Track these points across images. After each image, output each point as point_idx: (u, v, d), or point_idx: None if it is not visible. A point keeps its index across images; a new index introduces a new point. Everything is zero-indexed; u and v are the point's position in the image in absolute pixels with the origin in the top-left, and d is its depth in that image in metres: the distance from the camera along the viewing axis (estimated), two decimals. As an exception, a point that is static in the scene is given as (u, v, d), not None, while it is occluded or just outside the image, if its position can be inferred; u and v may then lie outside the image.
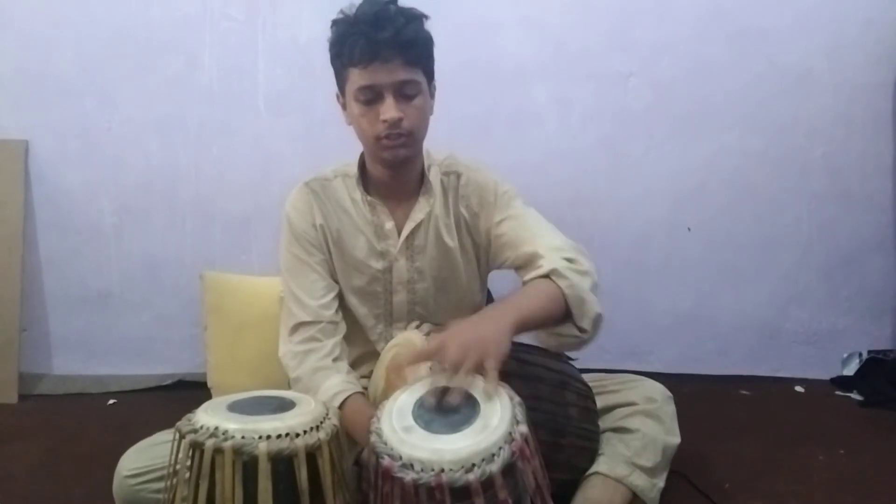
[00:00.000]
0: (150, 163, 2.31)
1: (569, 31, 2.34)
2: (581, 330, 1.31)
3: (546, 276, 1.31)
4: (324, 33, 2.24)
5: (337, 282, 1.54)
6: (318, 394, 1.37)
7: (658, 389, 1.51)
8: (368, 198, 1.51)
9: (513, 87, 2.35)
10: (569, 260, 1.34)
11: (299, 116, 2.32)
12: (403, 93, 1.36)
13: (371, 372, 1.48)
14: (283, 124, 2.32)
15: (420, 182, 1.53)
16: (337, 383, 1.40)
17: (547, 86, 2.36)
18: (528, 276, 1.35)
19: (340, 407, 1.34)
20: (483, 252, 1.55)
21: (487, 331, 1.10)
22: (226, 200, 2.34)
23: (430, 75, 1.43)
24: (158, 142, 2.31)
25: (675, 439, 1.46)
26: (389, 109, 1.34)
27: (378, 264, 1.52)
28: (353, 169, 1.54)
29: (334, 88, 2.22)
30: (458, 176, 1.54)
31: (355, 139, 1.57)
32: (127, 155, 2.30)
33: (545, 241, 1.41)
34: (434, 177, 1.53)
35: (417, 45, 1.36)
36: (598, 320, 1.34)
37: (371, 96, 1.36)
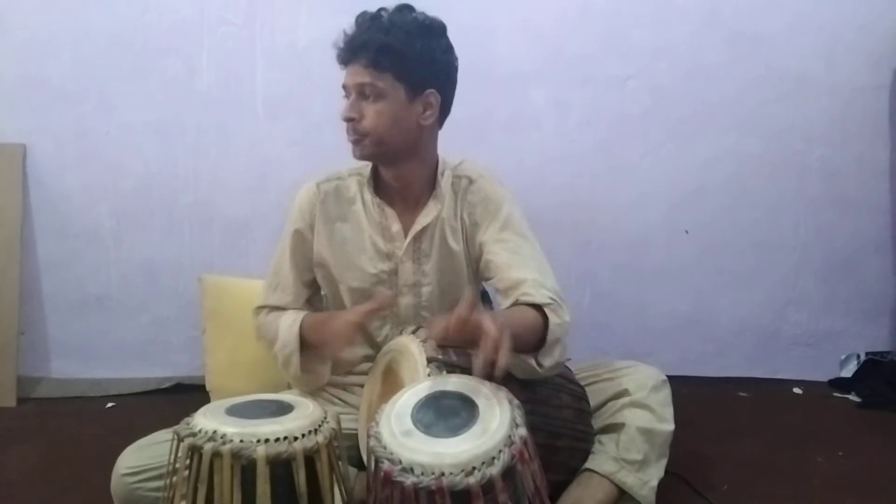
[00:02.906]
0: (149, 167, 2.31)
1: (566, 36, 2.35)
2: (539, 365, 1.30)
3: (538, 306, 1.31)
4: (322, 37, 2.25)
5: (309, 285, 1.61)
6: (279, 330, 1.52)
7: (649, 375, 1.52)
8: (377, 199, 1.53)
9: (510, 91, 2.36)
10: (557, 302, 1.34)
11: (297, 120, 2.32)
12: (364, 94, 1.41)
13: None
14: (281, 128, 2.33)
15: (430, 187, 1.54)
16: (290, 315, 1.55)
17: (544, 90, 2.37)
18: (522, 299, 1.35)
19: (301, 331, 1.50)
20: (474, 262, 1.55)
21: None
22: (224, 204, 2.34)
23: (414, 84, 1.41)
24: (156, 146, 2.31)
25: (667, 426, 1.46)
26: (345, 109, 1.43)
27: (383, 265, 1.53)
28: (367, 170, 1.56)
29: (332, 92, 2.23)
30: (470, 181, 1.54)
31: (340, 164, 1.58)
32: (125, 159, 2.30)
33: (534, 276, 1.39)
34: (446, 181, 1.54)
35: (385, 50, 1.37)
36: (557, 366, 1.34)
37: (344, 95, 1.45)
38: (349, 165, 1.60)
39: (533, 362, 1.29)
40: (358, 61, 1.39)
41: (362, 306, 1.40)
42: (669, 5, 2.35)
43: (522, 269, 1.41)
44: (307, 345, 1.51)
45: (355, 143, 1.44)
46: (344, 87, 1.44)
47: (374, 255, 1.53)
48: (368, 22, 1.40)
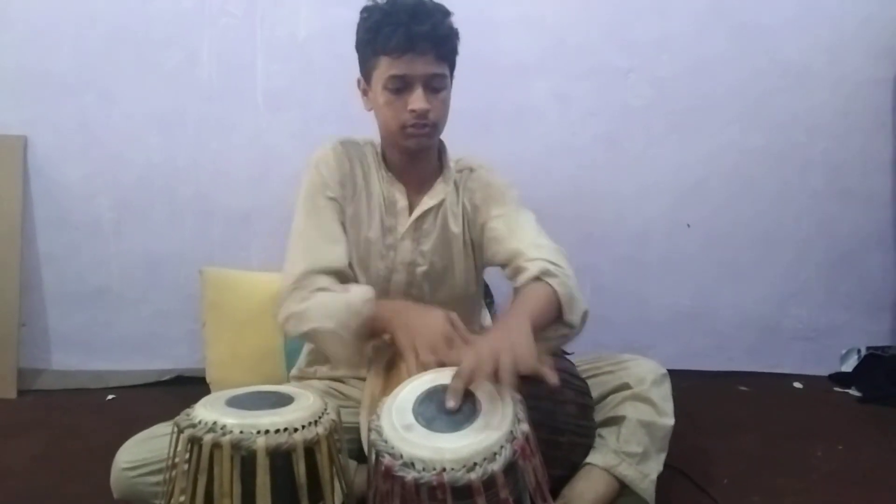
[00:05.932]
0: (150, 158, 2.31)
1: (568, 27, 2.34)
2: (570, 325, 1.34)
3: (537, 278, 1.34)
4: (322, 29, 2.26)
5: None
6: (348, 303, 1.33)
7: (650, 369, 1.51)
8: (387, 174, 1.54)
9: (513, 83, 2.35)
10: (552, 262, 1.38)
11: (298, 112, 2.32)
12: (432, 85, 1.40)
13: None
14: (283, 120, 2.32)
15: (437, 169, 1.57)
16: (359, 292, 1.36)
17: (547, 82, 2.36)
18: (519, 280, 1.38)
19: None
20: (477, 248, 1.57)
21: (514, 335, 1.11)
22: (225, 196, 2.33)
23: (453, 70, 1.47)
24: (157, 137, 2.30)
25: (668, 420, 1.46)
26: (419, 100, 1.38)
27: (385, 240, 1.53)
28: (378, 142, 1.57)
29: (333, 83, 2.26)
30: (471, 170, 1.58)
31: (355, 134, 1.57)
32: (126, 150, 2.30)
33: (529, 239, 1.44)
34: (451, 169, 1.57)
35: (450, 40, 1.42)
36: (585, 316, 1.37)
37: (401, 86, 1.39)
38: (362, 136, 1.58)
39: (564, 327, 1.34)
40: (426, 52, 1.36)
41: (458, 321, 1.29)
42: (672, -3, 2.35)
43: (518, 238, 1.46)
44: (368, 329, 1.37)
45: (425, 135, 1.43)
46: (399, 77, 1.37)
47: (378, 228, 1.54)
48: (432, 12, 1.38)
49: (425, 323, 1.26)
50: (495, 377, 1.02)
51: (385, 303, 1.39)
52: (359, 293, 1.36)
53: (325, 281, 1.39)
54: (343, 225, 1.50)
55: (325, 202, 1.49)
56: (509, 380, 1.01)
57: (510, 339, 1.10)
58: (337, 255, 1.44)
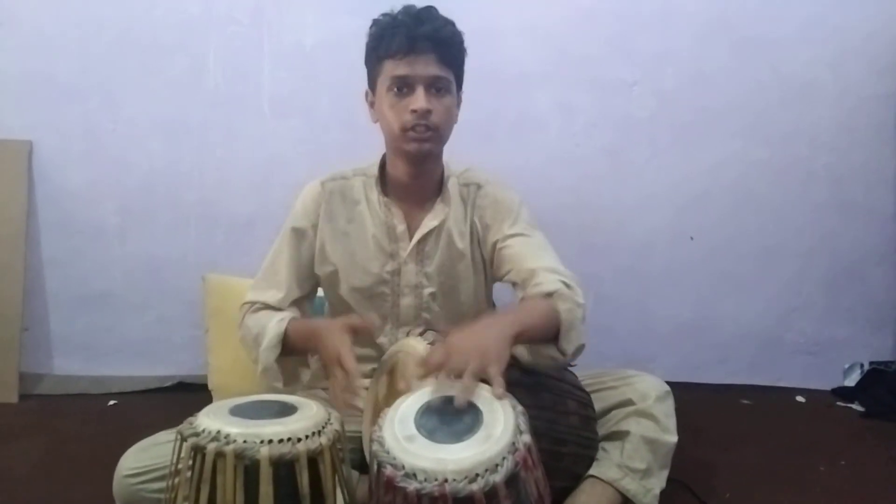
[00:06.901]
0: (154, 164, 2.31)
1: (572, 39, 2.35)
2: (562, 353, 1.30)
3: (548, 295, 1.31)
4: (329, 38, 2.27)
5: (302, 285, 1.58)
6: (266, 329, 1.44)
7: (654, 385, 1.51)
8: (384, 199, 1.53)
9: (516, 94, 2.36)
10: (567, 286, 1.34)
11: (303, 119, 2.33)
12: (435, 88, 1.41)
13: (372, 372, 1.48)
14: (288, 127, 2.33)
15: (438, 188, 1.55)
16: (277, 319, 1.46)
17: (550, 92, 2.37)
18: (529, 291, 1.36)
19: (285, 333, 1.43)
20: (488, 265, 1.56)
21: (489, 338, 1.11)
22: (229, 203, 2.34)
23: (459, 82, 1.48)
24: (162, 143, 2.31)
25: (671, 437, 1.46)
26: (420, 100, 1.39)
27: (387, 266, 1.53)
28: (373, 169, 1.56)
29: (339, 92, 2.27)
30: (479, 187, 1.57)
31: (359, 143, 1.58)
32: (130, 156, 2.31)
33: (546, 263, 1.42)
34: (452, 186, 1.55)
35: (453, 45, 1.43)
36: (580, 350, 1.33)
37: (403, 86, 1.40)
38: (353, 165, 1.60)
39: (555, 351, 1.29)
40: (427, 52, 1.38)
41: (351, 319, 1.37)
42: (675, 10, 2.35)
43: (535, 259, 1.43)
44: (289, 349, 1.46)
45: (426, 139, 1.42)
46: (401, 78, 1.39)
47: (378, 255, 1.53)
48: (435, 17, 1.41)
49: (328, 336, 1.32)
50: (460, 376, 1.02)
51: (300, 325, 1.46)
52: (274, 322, 1.45)
53: (254, 310, 1.54)
54: (307, 260, 1.56)
55: (290, 236, 1.56)
56: (470, 384, 1.01)
57: (483, 342, 1.08)
58: (271, 296, 1.53)
